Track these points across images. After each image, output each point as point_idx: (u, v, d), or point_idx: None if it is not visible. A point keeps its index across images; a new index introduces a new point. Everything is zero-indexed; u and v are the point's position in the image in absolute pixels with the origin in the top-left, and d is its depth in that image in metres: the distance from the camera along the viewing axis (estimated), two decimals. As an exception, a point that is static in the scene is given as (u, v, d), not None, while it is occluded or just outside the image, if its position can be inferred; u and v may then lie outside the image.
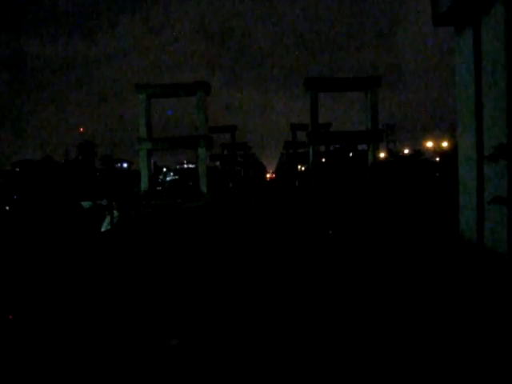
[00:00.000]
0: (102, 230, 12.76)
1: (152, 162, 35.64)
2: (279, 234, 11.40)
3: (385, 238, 9.27)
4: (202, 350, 4.20)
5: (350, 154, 46.20)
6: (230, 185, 56.03)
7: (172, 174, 66.39)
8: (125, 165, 79.16)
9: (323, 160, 45.26)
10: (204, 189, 33.16)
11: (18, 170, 45.77)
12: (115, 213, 14.47)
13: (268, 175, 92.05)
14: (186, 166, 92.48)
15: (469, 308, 4.92)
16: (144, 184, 33.29)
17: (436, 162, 42.26)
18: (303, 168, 62.56)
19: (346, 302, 5.48)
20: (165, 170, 71.63)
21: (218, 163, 67.92)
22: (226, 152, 68.90)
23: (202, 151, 34.25)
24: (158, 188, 35.91)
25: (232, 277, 6.93)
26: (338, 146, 47.99)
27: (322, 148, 44.97)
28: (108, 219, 13.81)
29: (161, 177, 57.28)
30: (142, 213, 18.06)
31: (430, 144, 75.10)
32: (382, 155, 55.31)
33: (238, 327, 4.77)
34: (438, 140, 73.73)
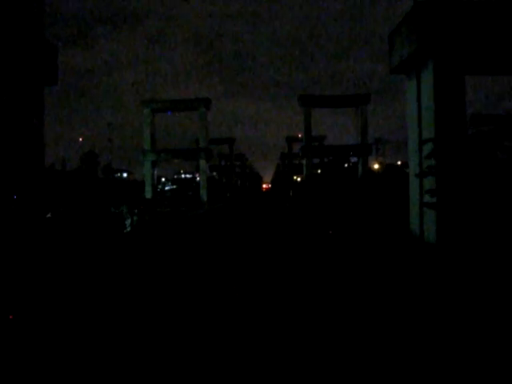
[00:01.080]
0: (125, 230, 15.38)
1: (156, 172, 38.28)
2: (272, 236, 14.12)
3: (363, 234, 12.01)
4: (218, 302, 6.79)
5: (345, 165, 48.97)
6: (228, 195, 58.72)
7: (170, 183, 69.04)
8: (124, 174, 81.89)
9: (318, 171, 48.01)
10: (205, 198, 35.77)
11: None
12: (134, 217, 17.18)
13: (264, 185, 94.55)
14: (183, 176, 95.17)
15: (407, 276, 7.59)
16: (148, 193, 35.87)
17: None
18: (298, 179, 65.20)
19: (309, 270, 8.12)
20: (163, 179, 74.21)
21: (214, 173, 70.38)
22: (223, 163, 71.51)
23: (202, 163, 36.98)
24: (157, 197, 38.34)
25: (236, 267, 9.59)
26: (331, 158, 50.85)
27: (317, 159, 47.80)
28: (129, 222, 16.48)
29: (160, 186, 59.71)
30: (153, 218, 20.67)
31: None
32: (376, 166, 58.20)
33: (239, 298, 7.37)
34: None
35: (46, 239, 10.37)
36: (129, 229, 16.09)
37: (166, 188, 61.80)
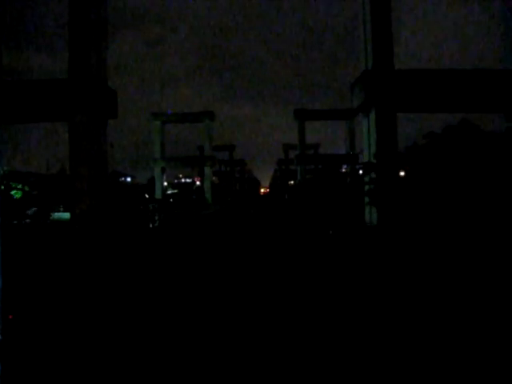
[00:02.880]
0: (155, 224, 20.33)
1: (164, 177, 43.21)
2: (268, 231, 19.11)
3: (340, 222, 17.02)
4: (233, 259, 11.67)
5: (336, 172, 54.03)
6: (229, 199, 63.63)
7: (171, 188, 73.94)
8: (128, 179, 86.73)
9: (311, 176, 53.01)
10: (210, 201, 40.71)
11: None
12: (162, 215, 22.12)
13: (262, 190, 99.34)
14: (182, 180, 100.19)
15: (360, 239, 12.52)
16: (158, 195, 40.79)
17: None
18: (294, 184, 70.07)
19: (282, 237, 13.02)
20: (166, 184, 79.10)
21: (214, 178, 75.24)
22: (223, 168, 76.45)
23: (207, 169, 41.99)
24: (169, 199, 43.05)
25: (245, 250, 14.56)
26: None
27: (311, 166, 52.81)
28: (156, 217, 21.41)
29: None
30: (171, 216, 25.60)
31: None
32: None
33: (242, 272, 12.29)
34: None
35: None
36: (157, 223, 21.04)
37: (169, 192, 66.68)
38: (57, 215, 30.97)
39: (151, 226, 20.57)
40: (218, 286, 7.92)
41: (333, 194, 20.86)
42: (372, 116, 14.73)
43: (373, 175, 14.28)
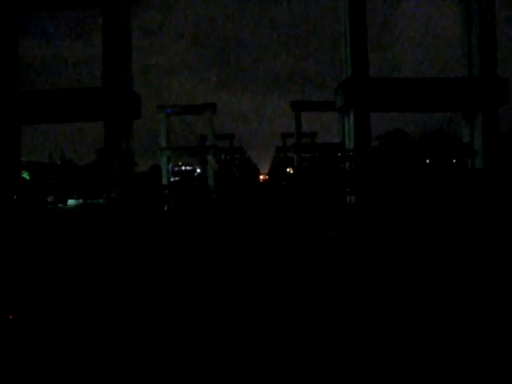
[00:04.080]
0: (170, 206, 23.93)
1: (170, 165, 46.67)
2: (266, 212, 22.73)
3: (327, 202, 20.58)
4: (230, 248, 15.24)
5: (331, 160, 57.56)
6: (230, 185, 67.15)
7: (172, 175, 77.36)
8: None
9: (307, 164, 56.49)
10: (213, 187, 44.29)
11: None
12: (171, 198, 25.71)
13: (261, 177, 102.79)
14: (183, 168, 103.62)
15: (341, 212, 16.13)
16: (164, 182, 44.32)
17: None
18: (292, 171, 73.53)
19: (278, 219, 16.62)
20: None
21: (215, 165, 78.51)
22: (223, 156, 79.77)
23: (210, 158, 45.48)
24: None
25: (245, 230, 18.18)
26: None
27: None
28: (171, 200, 25.01)
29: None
30: (180, 201, 29.20)
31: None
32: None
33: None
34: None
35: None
36: (171, 206, 24.66)
37: (171, 179, 70.21)
38: (71, 201, 34.73)
39: (166, 208, 24.19)
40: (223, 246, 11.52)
41: (323, 179, 24.39)
42: (351, 116, 18.24)
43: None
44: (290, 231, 13.99)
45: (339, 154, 21.17)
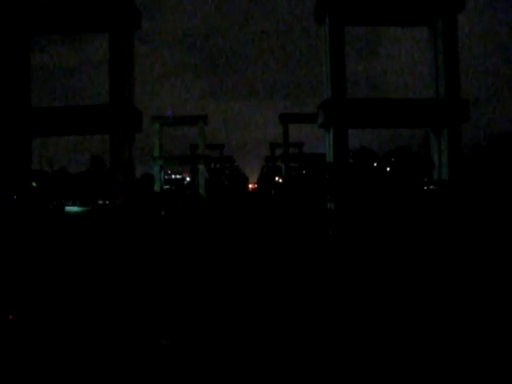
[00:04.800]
0: (164, 212, 26.08)
1: (166, 174, 48.76)
2: (255, 219, 25.05)
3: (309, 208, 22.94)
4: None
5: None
6: (220, 193, 69.36)
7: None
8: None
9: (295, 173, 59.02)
10: (204, 195, 46.49)
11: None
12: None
13: (251, 185, 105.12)
14: (173, 176, 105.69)
15: (322, 217, 18.51)
16: (157, 190, 46.39)
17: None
18: (280, 180, 75.95)
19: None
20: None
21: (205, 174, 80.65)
22: (213, 165, 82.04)
23: (201, 167, 47.77)
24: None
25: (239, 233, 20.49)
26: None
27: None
28: (165, 207, 27.15)
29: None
30: (174, 208, 31.36)
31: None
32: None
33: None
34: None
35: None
36: (164, 212, 26.82)
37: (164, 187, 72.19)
38: (68, 208, 36.83)
39: (163, 213, 26.39)
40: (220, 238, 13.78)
41: (307, 188, 26.82)
42: (331, 132, 20.71)
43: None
44: (277, 233, 16.28)
45: (320, 167, 23.52)
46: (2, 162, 20.84)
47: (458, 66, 21.42)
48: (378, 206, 15.54)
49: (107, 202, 34.35)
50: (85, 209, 31.36)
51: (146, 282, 8.76)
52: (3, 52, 21.07)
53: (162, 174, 48.99)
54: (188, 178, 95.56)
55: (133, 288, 8.19)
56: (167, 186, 71.28)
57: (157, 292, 7.85)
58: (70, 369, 4.85)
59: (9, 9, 20.94)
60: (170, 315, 6.41)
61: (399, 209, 15.09)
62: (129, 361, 4.94)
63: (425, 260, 9.97)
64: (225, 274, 9.46)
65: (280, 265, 10.25)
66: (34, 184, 26.48)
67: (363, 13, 21.45)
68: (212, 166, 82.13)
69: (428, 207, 15.32)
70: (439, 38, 21.55)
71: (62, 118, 20.10)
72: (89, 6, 21.03)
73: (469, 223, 14.69)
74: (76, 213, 29.37)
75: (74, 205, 43.25)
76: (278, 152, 68.54)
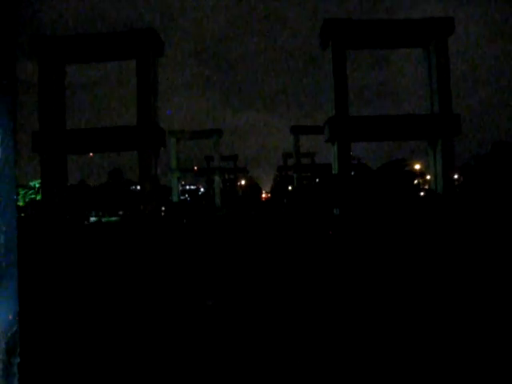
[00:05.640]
0: (186, 220, 28.76)
1: (180, 185, 51.63)
2: (268, 226, 27.63)
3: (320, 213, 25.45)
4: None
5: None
6: (234, 203, 72.09)
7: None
8: (138, 187, 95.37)
9: (307, 182, 61.55)
10: (220, 205, 49.23)
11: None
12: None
13: (264, 195, 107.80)
14: (187, 187, 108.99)
15: (328, 220, 21.03)
16: (175, 201, 49.26)
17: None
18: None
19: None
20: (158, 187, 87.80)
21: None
22: (227, 176, 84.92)
23: (217, 178, 50.54)
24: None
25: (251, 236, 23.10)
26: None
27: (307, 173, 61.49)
28: (186, 216, 29.85)
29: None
30: (193, 216, 34.09)
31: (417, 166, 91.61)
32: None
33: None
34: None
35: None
36: (186, 220, 29.52)
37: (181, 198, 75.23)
38: (91, 219, 39.88)
39: (184, 221, 29.08)
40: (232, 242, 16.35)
41: (316, 196, 29.32)
42: (336, 146, 23.24)
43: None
44: (290, 236, 18.79)
45: (327, 177, 25.90)
46: (43, 178, 23.80)
47: (449, 83, 23.86)
48: (375, 210, 17.98)
49: (130, 212, 37.40)
50: (116, 219, 34.23)
51: (191, 264, 11.34)
52: (43, 80, 24.10)
53: (179, 185, 51.81)
54: (202, 189, 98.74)
55: (184, 267, 10.79)
56: (183, 197, 74.59)
57: (200, 270, 10.38)
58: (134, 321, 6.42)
59: (48, 42, 24.02)
60: (212, 285, 8.92)
61: (393, 214, 17.49)
62: (186, 317, 6.55)
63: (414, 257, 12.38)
64: (243, 258, 12.08)
65: (285, 258, 12.74)
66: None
67: (363, 38, 24.05)
68: (226, 176, 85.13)
69: (420, 212, 17.70)
70: (432, 59, 24.05)
71: (98, 138, 23.07)
72: (120, 37, 24.01)
73: (463, 227, 17.03)
74: (109, 221, 32.22)
75: (96, 216, 46.39)
76: (291, 162, 71.31)
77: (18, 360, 1.57)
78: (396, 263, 11.05)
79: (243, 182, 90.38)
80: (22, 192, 48.76)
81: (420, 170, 36.78)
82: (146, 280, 9.88)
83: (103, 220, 35.42)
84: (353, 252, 13.50)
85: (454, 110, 23.85)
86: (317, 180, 47.67)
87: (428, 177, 34.27)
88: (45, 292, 8.68)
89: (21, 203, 44.88)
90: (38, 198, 47.57)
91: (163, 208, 26.91)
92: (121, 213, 49.00)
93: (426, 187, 37.45)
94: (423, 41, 24.33)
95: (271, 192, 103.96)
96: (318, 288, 8.44)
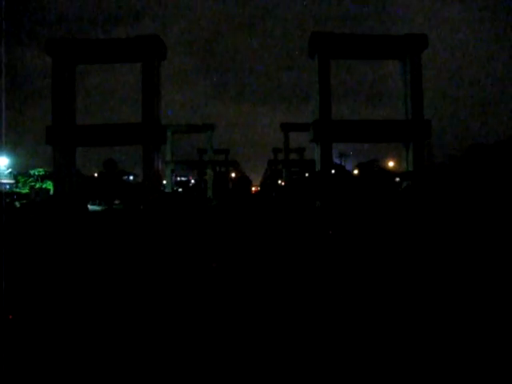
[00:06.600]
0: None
1: (173, 177, 54.49)
2: (256, 218, 30.78)
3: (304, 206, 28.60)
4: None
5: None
6: (225, 195, 74.93)
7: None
8: (131, 177, 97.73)
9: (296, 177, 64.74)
10: (211, 196, 52.20)
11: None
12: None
13: (254, 188, 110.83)
14: (178, 178, 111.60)
15: (311, 210, 24.18)
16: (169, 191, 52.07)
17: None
18: (282, 183, 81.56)
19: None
20: (165, 182, 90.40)
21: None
22: (219, 169, 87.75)
23: (209, 172, 53.50)
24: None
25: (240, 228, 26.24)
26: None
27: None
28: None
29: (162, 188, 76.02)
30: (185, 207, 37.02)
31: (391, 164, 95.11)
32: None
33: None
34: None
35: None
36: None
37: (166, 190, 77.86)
38: (91, 207, 42.74)
39: (180, 210, 32.10)
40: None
41: (301, 190, 32.46)
42: (319, 146, 26.37)
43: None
44: (276, 227, 21.82)
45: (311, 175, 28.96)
46: (55, 167, 26.61)
47: (421, 92, 27.09)
48: (350, 202, 21.18)
49: (127, 201, 40.18)
50: (118, 207, 37.01)
51: (199, 237, 14.26)
52: (56, 80, 26.83)
53: (173, 177, 54.62)
54: (193, 180, 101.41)
55: (194, 239, 13.71)
56: (175, 188, 77.22)
57: (207, 241, 13.34)
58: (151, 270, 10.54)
59: (61, 45, 26.73)
60: (216, 252, 11.91)
61: (364, 204, 20.66)
62: (193, 277, 9.17)
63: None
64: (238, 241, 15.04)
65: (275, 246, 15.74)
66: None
67: (346, 50, 27.17)
68: (218, 169, 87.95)
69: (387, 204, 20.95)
70: (407, 71, 27.23)
71: (106, 133, 25.97)
72: (126, 42, 26.82)
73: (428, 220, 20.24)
74: (116, 209, 35.08)
75: (93, 205, 49.01)
76: (281, 156, 74.32)
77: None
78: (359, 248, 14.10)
79: (234, 175, 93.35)
80: (21, 180, 51.27)
81: (393, 167, 40.14)
82: (163, 248, 12.84)
83: (112, 207, 38.20)
84: (330, 236, 16.56)
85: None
86: (306, 175, 50.90)
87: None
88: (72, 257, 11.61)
89: (26, 190, 47.50)
90: (38, 185, 50.15)
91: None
92: (117, 202, 51.71)
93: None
94: (400, 54, 27.49)
95: (260, 185, 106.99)
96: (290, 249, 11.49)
